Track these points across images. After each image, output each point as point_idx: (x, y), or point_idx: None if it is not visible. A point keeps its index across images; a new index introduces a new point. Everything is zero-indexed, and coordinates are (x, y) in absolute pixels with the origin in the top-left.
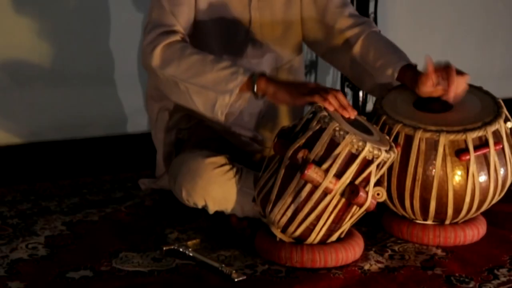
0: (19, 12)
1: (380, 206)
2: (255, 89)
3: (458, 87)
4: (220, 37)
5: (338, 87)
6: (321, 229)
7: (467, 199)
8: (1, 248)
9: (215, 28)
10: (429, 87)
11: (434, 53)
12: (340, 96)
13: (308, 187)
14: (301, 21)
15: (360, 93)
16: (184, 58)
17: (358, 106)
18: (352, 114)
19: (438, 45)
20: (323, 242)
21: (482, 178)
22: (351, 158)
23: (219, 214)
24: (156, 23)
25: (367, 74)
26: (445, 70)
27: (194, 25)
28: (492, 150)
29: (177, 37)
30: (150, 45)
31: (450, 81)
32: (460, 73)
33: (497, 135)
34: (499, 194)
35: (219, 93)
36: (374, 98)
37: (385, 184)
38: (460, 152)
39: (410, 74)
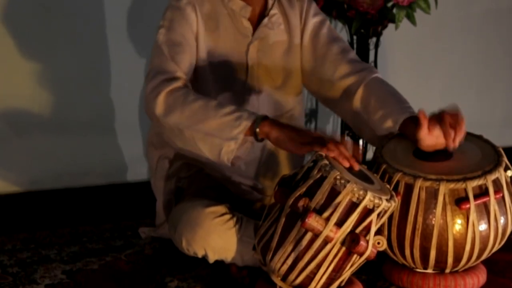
0: (19, 61)
1: (381, 254)
2: (258, 132)
3: (457, 135)
4: (218, 85)
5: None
6: (321, 277)
7: (467, 247)
8: None
9: (213, 76)
10: (430, 141)
11: (434, 101)
12: (342, 146)
13: (308, 236)
14: (301, 69)
15: (360, 142)
16: (187, 105)
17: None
18: (354, 164)
19: (438, 93)
20: None
21: (482, 226)
22: (352, 207)
23: (219, 262)
24: (158, 70)
25: (367, 126)
26: (438, 120)
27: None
28: (492, 198)
29: (179, 83)
30: (152, 93)
31: (445, 132)
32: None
33: (497, 183)
34: (499, 243)
35: (224, 140)
36: (374, 147)
37: (385, 232)
38: (460, 200)
39: (412, 127)
